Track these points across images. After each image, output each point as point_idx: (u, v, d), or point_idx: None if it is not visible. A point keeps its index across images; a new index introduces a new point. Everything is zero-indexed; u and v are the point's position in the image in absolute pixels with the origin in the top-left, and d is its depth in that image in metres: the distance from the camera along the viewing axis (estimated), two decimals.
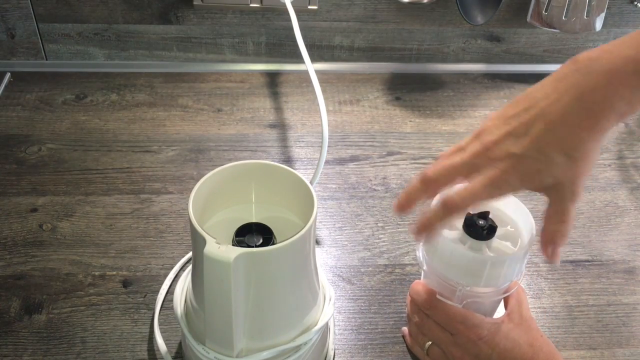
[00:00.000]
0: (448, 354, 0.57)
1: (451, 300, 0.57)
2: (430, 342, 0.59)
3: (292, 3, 0.85)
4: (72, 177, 0.78)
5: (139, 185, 0.78)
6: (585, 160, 0.45)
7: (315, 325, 0.54)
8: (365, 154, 0.84)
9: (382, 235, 0.73)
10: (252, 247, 0.50)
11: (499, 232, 0.54)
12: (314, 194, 0.50)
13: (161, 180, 0.79)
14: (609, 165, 0.85)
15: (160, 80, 0.95)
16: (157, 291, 0.66)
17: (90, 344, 0.61)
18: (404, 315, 0.65)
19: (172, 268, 0.68)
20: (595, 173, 0.84)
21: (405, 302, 0.66)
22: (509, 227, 0.56)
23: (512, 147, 0.46)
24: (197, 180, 0.51)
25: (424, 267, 0.58)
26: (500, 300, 0.60)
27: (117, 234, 0.72)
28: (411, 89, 0.97)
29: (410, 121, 0.90)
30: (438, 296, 0.57)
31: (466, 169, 0.48)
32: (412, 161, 0.84)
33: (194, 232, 0.48)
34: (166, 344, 0.61)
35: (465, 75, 1.00)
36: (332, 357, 0.61)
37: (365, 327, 0.64)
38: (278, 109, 0.91)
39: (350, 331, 0.64)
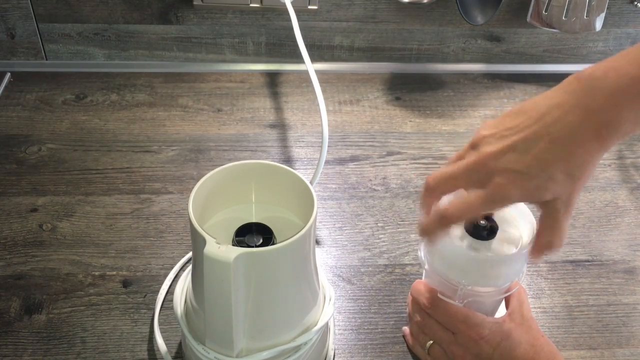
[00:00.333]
0: (449, 353, 0.58)
1: (452, 300, 0.57)
2: (431, 342, 0.59)
3: (292, 3, 0.84)
4: (72, 177, 0.78)
5: (139, 185, 0.78)
6: (584, 179, 0.45)
7: (315, 325, 0.54)
8: (365, 154, 0.84)
9: (382, 235, 0.73)
10: (252, 247, 0.50)
11: (500, 232, 0.54)
12: (314, 194, 0.50)
13: (161, 180, 0.79)
14: (609, 165, 0.85)
15: (160, 80, 0.95)
16: (157, 291, 0.66)
17: (90, 344, 0.61)
18: (404, 315, 0.65)
19: (172, 268, 0.68)
20: (595, 173, 0.83)
21: (405, 302, 0.66)
22: (510, 227, 0.56)
23: (513, 163, 0.45)
24: (197, 180, 0.51)
25: (425, 267, 0.58)
26: (502, 300, 0.60)
27: (117, 234, 0.71)
28: (411, 89, 0.97)
29: (410, 121, 0.90)
30: (439, 295, 0.57)
31: (464, 180, 0.48)
32: (412, 161, 0.84)
33: (194, 232, 0.48)
34: (166, 344, 0.61)
35: (465, 75, 1.00)
36: (332, 357, 0.61)
37: (365, 327, 0.64)
38: (278, 109, 0.91)
39: (350, 331, 0.64)
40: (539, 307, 0.67)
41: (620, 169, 0.85)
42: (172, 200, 0.76)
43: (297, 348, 0.53)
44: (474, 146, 0.48)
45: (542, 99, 0.46)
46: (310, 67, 0.75)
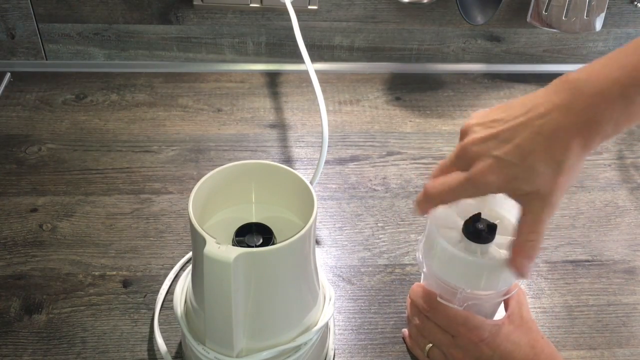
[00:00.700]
0: (449, 356, 0.57)
1: (452, 303, 0.57)
2: (430, 345, 0.59)
3: (292, 3, 0.85)
4: (72, 177, 0.78)
5: (139, 185, 0.78)
6: (567, 175, 0.45)
7: (315, 325, 0.54)
8: (365, 154, 0.84)
9: (382, 235, 0.73)
10: (252, 247, 0.50)
11: (497, 236, 0.54)
12: (314, 194, 0.50)
13: (161, 180, 0.79)
14: (609, 165, 0.85)
15: (160, 80, 0.95)
16: (157, 291, 0.66)
17: (90, 344, 0.61)
18: (404, 315, 0.65)
19: (172, 268, 0.68)
20: (595, 173, 0.84)
21: (405, 303, 0.66)
22: (508, 231, 0.56)
23: (494, 149, 0.46)
24: (197, 180, 0.51)
25: (424, 269, 0.58)
26: (501, 302, 0.60)
27: (117, 234, 0.72)
28: (411, 89, 0.97)
29: (410, 121, 0.90)
30: (439, 299, 0.57)
31: (448, 166, 0.50)
32: (412, 161, 0.84)
33: (194, 232, 0.48)
34: (166, 344, 0.61)
35: (465, 75, 1.00)
36: (332, 357, 0.61)
37: (365, 327, 0.64)
38: (278, 109, 0.91)
39: (350, 331, 0.64)
40: (539, 307, 0.67)
41: (620, 169, 0.85)
42: (172, 200, 0.76)
43: (297, 348, 0.53)
44: (462, 135, 0.50)
45: (530, 97, 0.47)
46: (310, 67, 0.75)
